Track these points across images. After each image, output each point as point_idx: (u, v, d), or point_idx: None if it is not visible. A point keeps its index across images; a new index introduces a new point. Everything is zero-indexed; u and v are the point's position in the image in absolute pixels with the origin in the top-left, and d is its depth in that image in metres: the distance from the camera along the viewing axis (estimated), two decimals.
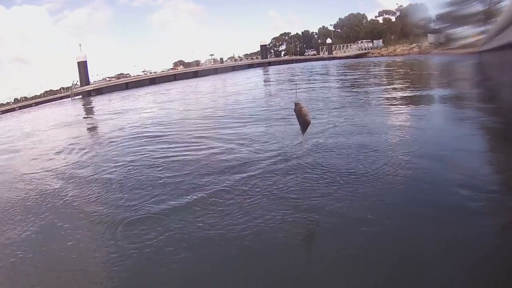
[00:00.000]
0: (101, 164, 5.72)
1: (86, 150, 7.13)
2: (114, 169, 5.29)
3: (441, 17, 73.20)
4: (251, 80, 21.74)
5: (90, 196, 4.28)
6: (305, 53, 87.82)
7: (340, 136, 5.47)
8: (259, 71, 38.29)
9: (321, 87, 13.64)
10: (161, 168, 5.00)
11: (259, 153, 5.02)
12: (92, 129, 11.45)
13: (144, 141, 7.19)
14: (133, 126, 9.55)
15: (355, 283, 2.27)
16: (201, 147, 6.00)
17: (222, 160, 4.99)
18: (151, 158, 5.73)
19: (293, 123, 4.66)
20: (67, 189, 4.66)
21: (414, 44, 69.46)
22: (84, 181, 4.97)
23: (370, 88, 11.66)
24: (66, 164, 6.20)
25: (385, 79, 15.81)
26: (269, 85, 18.44)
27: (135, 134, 8.36)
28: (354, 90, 11.60)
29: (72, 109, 22.17)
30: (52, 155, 7.18)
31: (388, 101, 8.76)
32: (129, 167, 5.30)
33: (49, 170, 5.90)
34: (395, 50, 69.48)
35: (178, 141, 6.81)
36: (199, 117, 9.51)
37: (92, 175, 5.21)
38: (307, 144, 5.07)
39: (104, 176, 5.05)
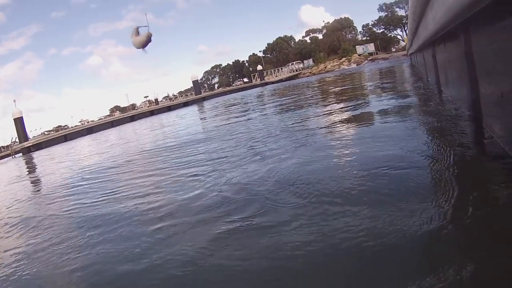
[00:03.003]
0: None
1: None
2: None
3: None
4: (187, 121, 20.54)
5: None
6: (233, 84, 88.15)
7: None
8: (194, 108, 37.33)
9: (260, 115, 12.69)
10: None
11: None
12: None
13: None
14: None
15: None
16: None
17: None
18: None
19: None
20: None
21: (344, 58, 71.54)
22: None
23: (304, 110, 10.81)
24: None
25: (320, 97, 15.21)
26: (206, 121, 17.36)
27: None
28: (290, 115, 10.67)
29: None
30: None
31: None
32: None
33: None
34: (325, 67, 71.28)
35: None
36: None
37: None
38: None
39: None
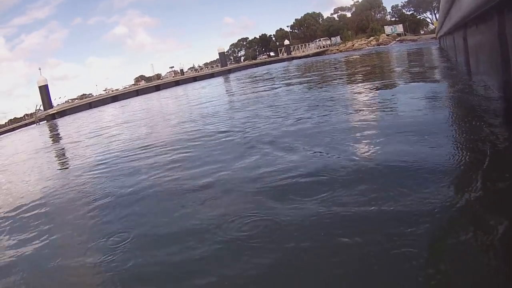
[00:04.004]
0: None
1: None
2: None
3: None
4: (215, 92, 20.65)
5: None
6: (258, 58, 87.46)
7: None
8: (220, 80, 37.32)
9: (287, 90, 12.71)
10: None
11: None
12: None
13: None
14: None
15: None
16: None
17: None
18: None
19: None
20: None
21: (372, 38, 70.25)
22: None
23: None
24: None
25: (346, 75, 15.13)
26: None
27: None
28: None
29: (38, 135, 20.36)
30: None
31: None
32: None
33: None
34: (353, 45, 70.11)
35: None
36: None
37: None
38: None
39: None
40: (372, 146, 3.81)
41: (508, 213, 2.05)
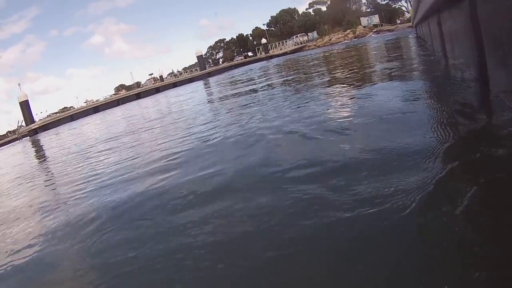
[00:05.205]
0: None
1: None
2: None
3: None
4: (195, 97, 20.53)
5: None
6: (234, 59, 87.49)
7: None
8: (199, 84, 37.14)
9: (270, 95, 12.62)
10: None
11: None
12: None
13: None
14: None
15: None
16: None
17: None
18: None
19: None
20: None
21: (348, 31, 70.72)
22: None
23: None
24: None
25: (327, 72, 15.12)
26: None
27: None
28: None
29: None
30: None
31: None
32: None
33: None
34: (330, 40, 70.49)
35: None
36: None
37: None
38: None
39: None
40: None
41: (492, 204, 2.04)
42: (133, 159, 6.04)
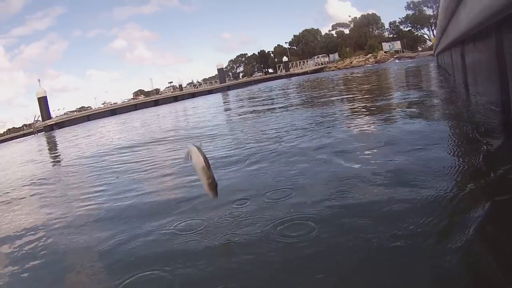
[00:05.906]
0: None
1: None
2: None
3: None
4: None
5: None
6: (253, 75, 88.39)
7: None
8: (218, 97, 37.25)
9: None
10: None
11: None
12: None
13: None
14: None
15: None
16: None
17: None
18: None
19: None
20: None
21: (370, 55, 70.85)
22: None
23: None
24: None
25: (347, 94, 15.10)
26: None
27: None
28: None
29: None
30: None
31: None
32: None
33: None
34: (351, 62, 70.70)
35: None
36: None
37: None
38: None
39: None
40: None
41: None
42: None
